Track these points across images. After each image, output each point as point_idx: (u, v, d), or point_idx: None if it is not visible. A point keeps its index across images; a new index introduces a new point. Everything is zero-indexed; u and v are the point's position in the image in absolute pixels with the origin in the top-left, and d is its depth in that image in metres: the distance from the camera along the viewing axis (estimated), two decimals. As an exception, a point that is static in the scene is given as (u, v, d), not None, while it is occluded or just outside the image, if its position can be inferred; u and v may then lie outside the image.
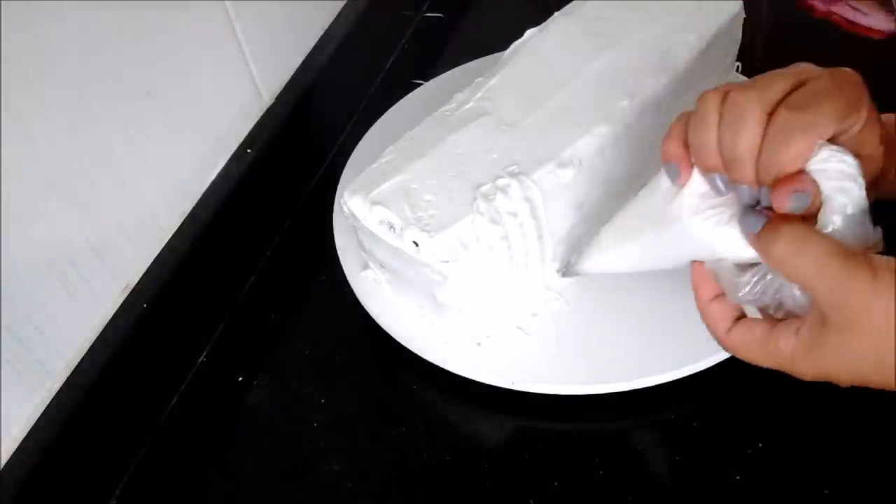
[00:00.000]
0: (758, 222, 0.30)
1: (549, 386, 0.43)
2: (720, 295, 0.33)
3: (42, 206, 0.41)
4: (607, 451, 0.42)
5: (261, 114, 0.59)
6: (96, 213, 0.44)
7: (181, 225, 0.51)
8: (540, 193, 0.43)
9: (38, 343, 0.41)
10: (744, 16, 0.52)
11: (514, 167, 0.43)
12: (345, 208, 0.45)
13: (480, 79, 0.50)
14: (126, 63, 0.45)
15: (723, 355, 0.43)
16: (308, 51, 0.64)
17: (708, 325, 0.34)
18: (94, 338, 0.45)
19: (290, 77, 0.62)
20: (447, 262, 0.41)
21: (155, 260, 0.49)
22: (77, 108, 0.42)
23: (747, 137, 0.29)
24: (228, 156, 0.56)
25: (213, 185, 0.54)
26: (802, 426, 0.42)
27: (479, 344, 0.45)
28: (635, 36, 0.49)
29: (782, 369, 0.31)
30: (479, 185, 0.43)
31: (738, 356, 0.33)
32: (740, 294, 0.32)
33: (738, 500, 0.39)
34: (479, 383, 0.44)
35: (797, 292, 0.30)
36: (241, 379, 0.48)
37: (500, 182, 0.43)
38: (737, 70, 0.57)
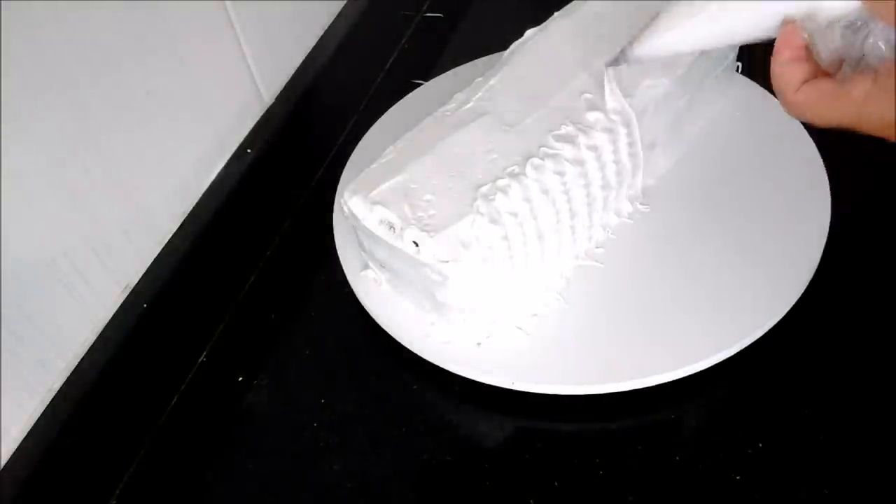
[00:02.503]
0: None
1: (549, 386, 0.43)
2: (796, 59, 0.33)
3: (42, 206, 0.41)
4: (607, 451, 0.42)
5: (261, 114, 0.59)
6: (96, 213, 0.44)
7: (181, 225, 0.51)
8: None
9: (38, 343, 0.42)
10: (744, 16, 0.52)
11: (514, 167, 0.43)
12: (345, 208, 0.45)
13: (480, 79, 0.50)
14: (126, 63, 0.45)
15: (722, 355, 0.43)
16: (308, 51, 0.64)
17: (778, 86, 0.34)
18: (94, 338, 0.45)
19: (290, 77, 0.62)
20: (447, 262, 0.41)
21: (155, 260, 0.49)
22: (77, 108, 0.42)
23: None
24: (228, 156, 0.56)
25: (213, 185, 0.54)
26: (802, 426, 0.42)
27: (479, 344, 0.45)
28: (635, 36, 0.49)
29: (848, 122, 0.32)
30: (479, 186, 0.43)
31: (803, 116, 0.33)
32: (830, 46, 0.32)
33: (738, 500, 0.39)
34: (479, 383, 0.44)
35: (883, 44, 0.30)
36: (241, 379, 0.48)
37: (500, 182, 0.43)
38: (737, 70, 0.57)
